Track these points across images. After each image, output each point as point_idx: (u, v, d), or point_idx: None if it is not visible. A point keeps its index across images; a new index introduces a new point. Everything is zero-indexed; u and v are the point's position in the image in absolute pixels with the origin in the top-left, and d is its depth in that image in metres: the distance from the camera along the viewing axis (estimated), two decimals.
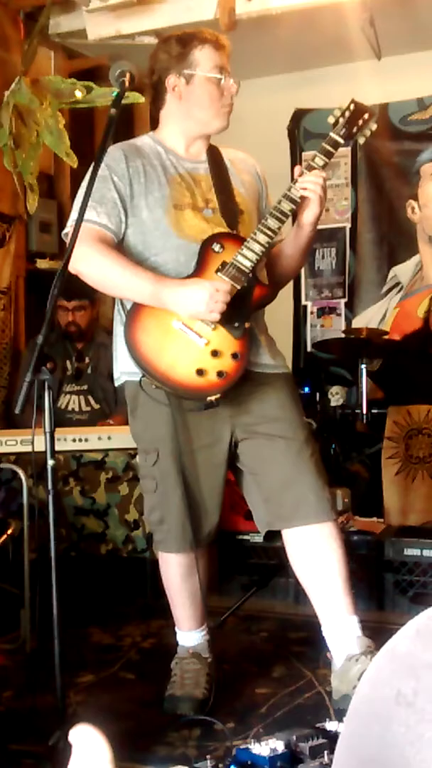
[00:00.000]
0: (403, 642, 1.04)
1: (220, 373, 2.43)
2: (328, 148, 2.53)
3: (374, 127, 2.62)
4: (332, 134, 2.55)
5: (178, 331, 2.44)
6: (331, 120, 2.57)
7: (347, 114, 2.57)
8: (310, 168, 2.51)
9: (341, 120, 2.56)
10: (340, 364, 5.29)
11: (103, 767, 0.86)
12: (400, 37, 5.13)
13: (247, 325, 2.47)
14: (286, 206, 2.49)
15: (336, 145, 2.54)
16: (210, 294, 2.38)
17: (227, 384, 2.43)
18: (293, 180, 2.52)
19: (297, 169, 2.53)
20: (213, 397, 2.42)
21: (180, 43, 2.57)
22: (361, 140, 2.62)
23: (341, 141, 2.56)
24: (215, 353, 2.44)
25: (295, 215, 2.56)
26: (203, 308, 2.39)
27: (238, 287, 2.45)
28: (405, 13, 4.88)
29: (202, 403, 2.44)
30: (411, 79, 5.44)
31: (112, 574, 3.62)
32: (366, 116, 2.59)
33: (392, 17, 4.85)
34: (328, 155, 2.53)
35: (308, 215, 2.54)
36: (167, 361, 2.43)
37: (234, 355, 2.45)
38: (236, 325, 2.45)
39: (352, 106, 2.58)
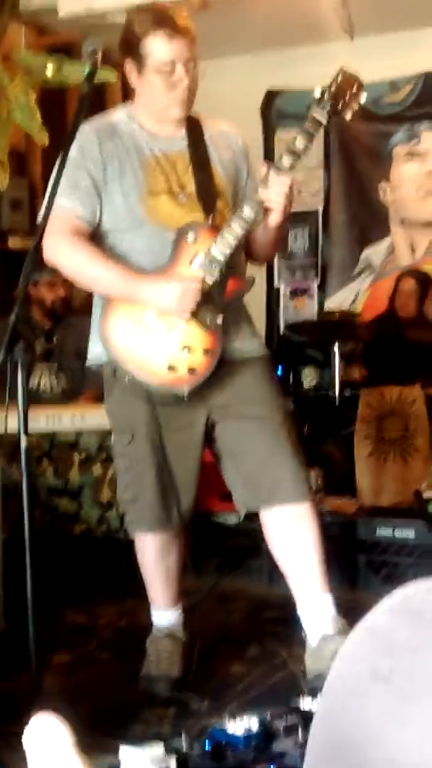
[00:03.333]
0: (379, 619, 1.05)
1: (191, 369, 2.43)
2: (310, 128, 2.43)
3: (363, 98, 2.46)
4: (315, 113, 2.42)
5: (150, 326, 2.43)
6: (317, 93, 2.43)
7: (334, 86, 2.42)
8: (290, 152, 2.43)
9: (327, 93, 2.43)
10: (313, 346, 5.31)
11: (66, 752, 0.86)
12: (372, 19, 5.12)
13: (219, 319, 2.46)
14: (256, 205, 2.44)
15: (318, 125, 2.44)
16: (180, 293, 2.37)
17: (197, 380, 2.44)
18: (272, 166, 2.45)
19: (262, 168, 2.48)
20: (182, 393, 2.43)
21: (134, 26, 2.48)
22: (348, 115, 2.47)
23: (324, 120, 2.43)
24: (187, 349, 2.43)
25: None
26: (174, 307, 2.39)
27: (211, 281, 2.44)
28: None
29: (171, 397, 2.46)
30: (384, 60, 5.42)
31: (85, 554, 3.62)
32: (355, 87, 2.44)
33: None
34: (310, 136, 2.43)
35: (271, 220, 2.50)
36: (139, 355, 2.43)
37: (205, 351, 2.45)
38: (208, 319, 2.44)
39: (339, 77, 2.43)
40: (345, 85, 2.44)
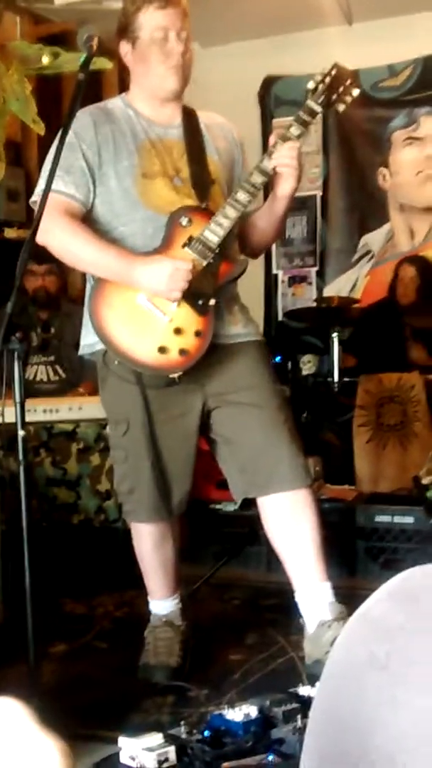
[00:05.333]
0: (376, 606, 1.05)
1: (182, 351, 2.41)
2: (305, 117, 2.44)
3: (356, 92, 2.49)
4: (309, 102, 2.45)
5: (142, 307, 2.42)
6: (311, 85, 2.46)
7: (328, 79, 2.46)
8: (285, 138, 2.45)
9: (321, 86, 2.46)
10: (312, 333, 5.30)
11: (29, 730, 0.84)
12: (370, 3, 5.10)
13: (212, 302, 2.44)
14: (258, 179, 2.44)
15: (313, 114, 2.45)
16: (170, 273, 2.36)
17: (189, 362, 2.42)
18: (266, 150, 2.47)
19: (271, 137, 2.49)
20: (174, 375, 2.42)
21: (127, 6, 2.52)
22: (341, 108, 2.49)
23: (319, 110, 2.45)
24: (178, 331, 2.42)
25: (267, 188, 2.52)
26: (163, 287, 2.37)
27: (204, 264, 2.42)
28: None
29: (163, 380, 2.44)
30: (382, 45, 5.41)
31: (84, 544, 3.62)
32: (348, 82, 2.47)
33: None
34: (305, 124, 2.44)
35: (284, 188, 2.49)
36: (130, 337, 2.42)
37: (197, 333, 2.43)
38: (200, 302, 2.43)
39: (333, 71, 2.46)
40: (338, 79, 2.47)
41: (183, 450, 2.58)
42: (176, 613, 2.71)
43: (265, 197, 2.63)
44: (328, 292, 5.67)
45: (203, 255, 2.42)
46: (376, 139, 5.65)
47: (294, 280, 5.89)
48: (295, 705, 2.03)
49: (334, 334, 4.55)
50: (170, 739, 1.96)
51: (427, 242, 5.54)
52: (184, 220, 2.45)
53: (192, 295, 2.41)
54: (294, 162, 2.45)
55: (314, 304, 5.29)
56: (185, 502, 2.62)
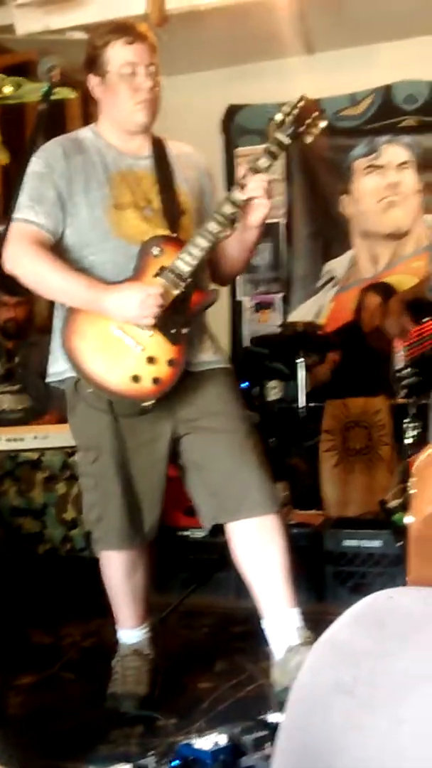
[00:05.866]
0: (341, 630, 1.05)
1: (155, 380, 2.42)
2: (274, 149, 2.47)
3: (323, 124, 2.52)
4: (278, 134, 2.47)
5: (114, 337, 2.42)
6: (279, 117, 2.48)
7: (295, 112, 2.48)
8: (255, 170, 2.46)
9: (288, 118, 2.48)
10: (278, 359, 5.33)
11: None
12: (332, 33, 5.18)
13: (184, 331, 2.45)
14: (228, 210, 2.46)
15: (282, 146, 2.47)
16: (141, 300, 2.37)
17: (162, 390, 2.43)
18: (232, 179, 2.49)
19: (241, 169, 2.50)
20: (147, 404, 2.42)
21: (94, 40, 2.54)
22: (309, 140, 2.52)
23: (287, 142, 2.48)
24: (151, 360, 2.42)
25: (237, 219, 2.54)
26: (135, 314, 2.38)
27: (176, 293, 2.43)
28: (337, 8, 4.92)
29: (135, 408, 2.44)
30: (343, 74, 5.50)
31: (50, 573, 3.59)
32: (315, 114, 2.50)
33: (324, 12, 4.89)
34: (274, 156, 2.47)
35: (255, 218, 2.51)
36: (103, 366, 2.42)
37: (170, 362, 2.44)
38: (173, 331, 2.44)
39: (301, 103, 2.49)
40: (306, 111, 2.50)
41: (153, 476, 2.57)
42: (145, 642, 2.68)
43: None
44: (293, 317, 5.71)
45: (175, 284, 2.43)
46: (337, 167, 5.73)
47: (259, 307, 5.92)
48: (264, 732, 2.01)
49: (300, 360, 4.58)
50: None
51: (389, 268, 5.61)
52: (155, 250, 2.45)
53: (164, 325, 2.41)
54: (265, 193, 2.47)
55: (279, 330, 5.32)
56: (156, 528, 2.61)
